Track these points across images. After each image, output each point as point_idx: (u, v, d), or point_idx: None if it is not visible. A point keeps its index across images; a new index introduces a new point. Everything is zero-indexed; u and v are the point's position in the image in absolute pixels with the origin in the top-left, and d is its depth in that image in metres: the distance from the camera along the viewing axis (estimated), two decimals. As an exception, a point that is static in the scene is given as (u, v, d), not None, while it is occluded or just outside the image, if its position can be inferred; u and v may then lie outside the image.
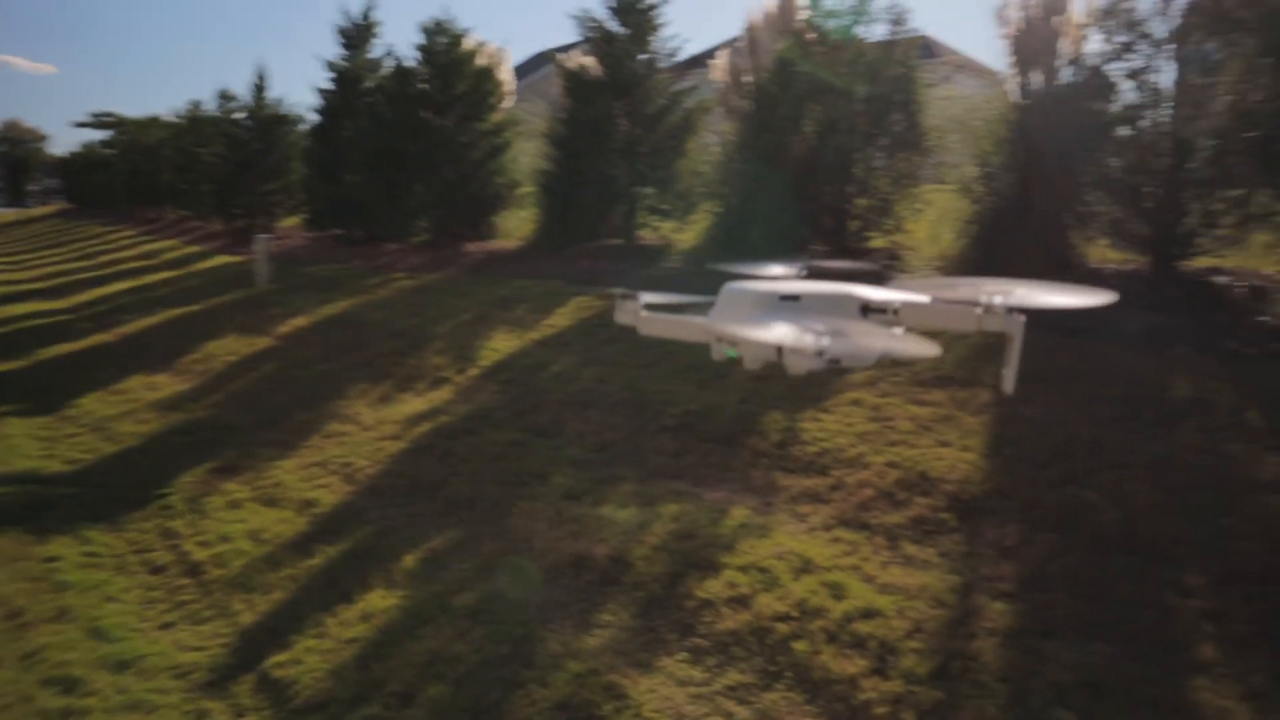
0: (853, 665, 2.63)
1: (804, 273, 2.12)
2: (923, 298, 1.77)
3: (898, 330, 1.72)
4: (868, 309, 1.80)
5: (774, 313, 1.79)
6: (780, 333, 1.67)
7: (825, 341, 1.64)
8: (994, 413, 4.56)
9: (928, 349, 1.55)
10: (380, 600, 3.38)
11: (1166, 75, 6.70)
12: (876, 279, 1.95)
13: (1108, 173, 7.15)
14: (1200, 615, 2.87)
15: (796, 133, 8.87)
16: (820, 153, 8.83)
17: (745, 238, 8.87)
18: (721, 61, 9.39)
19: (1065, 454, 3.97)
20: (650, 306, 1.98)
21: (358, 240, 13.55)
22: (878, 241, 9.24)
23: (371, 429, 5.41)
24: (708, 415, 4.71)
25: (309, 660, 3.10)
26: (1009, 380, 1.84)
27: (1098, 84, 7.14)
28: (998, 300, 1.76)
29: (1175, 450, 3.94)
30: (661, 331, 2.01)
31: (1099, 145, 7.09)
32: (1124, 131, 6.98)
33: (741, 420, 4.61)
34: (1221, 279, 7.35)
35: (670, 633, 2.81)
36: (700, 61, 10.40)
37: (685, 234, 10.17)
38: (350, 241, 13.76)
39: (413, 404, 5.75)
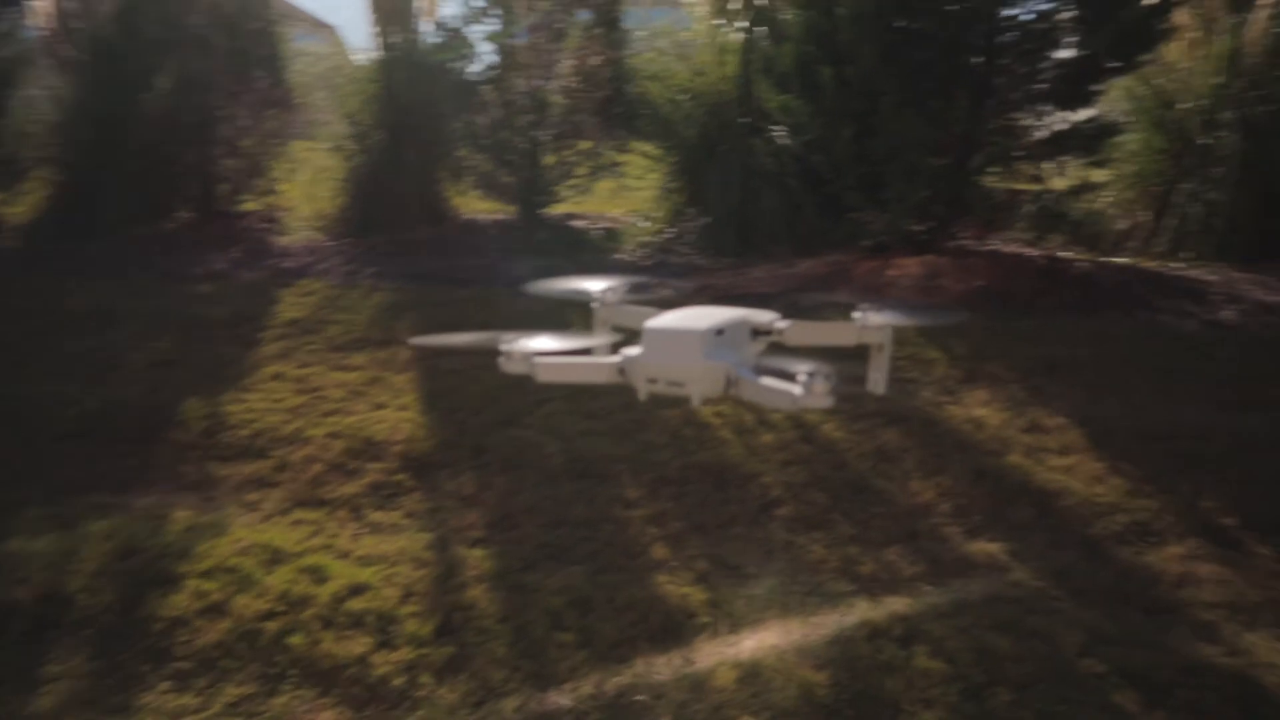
0: (358, 645, 2.53)
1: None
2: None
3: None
4: (756, 332, 1.89)
5: (719, 349, 1.82)
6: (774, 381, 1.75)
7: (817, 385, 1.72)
8: (419, 369, 4.65)
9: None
10: None
11: (520, 38, 7.29)
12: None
13: (475, 129, 7.59)
14: (645, 521, 3.24)
15: (148, 89, 8.03)
16: (179, 112, 8.10)
17: (93, 208, 7.86)
18: (45, 4, 8.12)
19: (496, 399, 4.19)
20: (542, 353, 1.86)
21: None
22: (251, 204, 8.80)
23: None
24: (111, 413, 4.15)
25: None
26: (880, 383, 2.03)
27: (458, 44, 7.50)
28: (872, 316, 1.97)
29: (587, 380, 4.37)
30: (559, 377, 1.96)
31: (466, 103, 7.49)
32: (488, 90, 7.47)
33: (154, 413, 4.13)
34: (580, 223, 8.26)
35: (142, 664, 2.46)
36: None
37: (16, 206, 8.70)
38: None
39: None
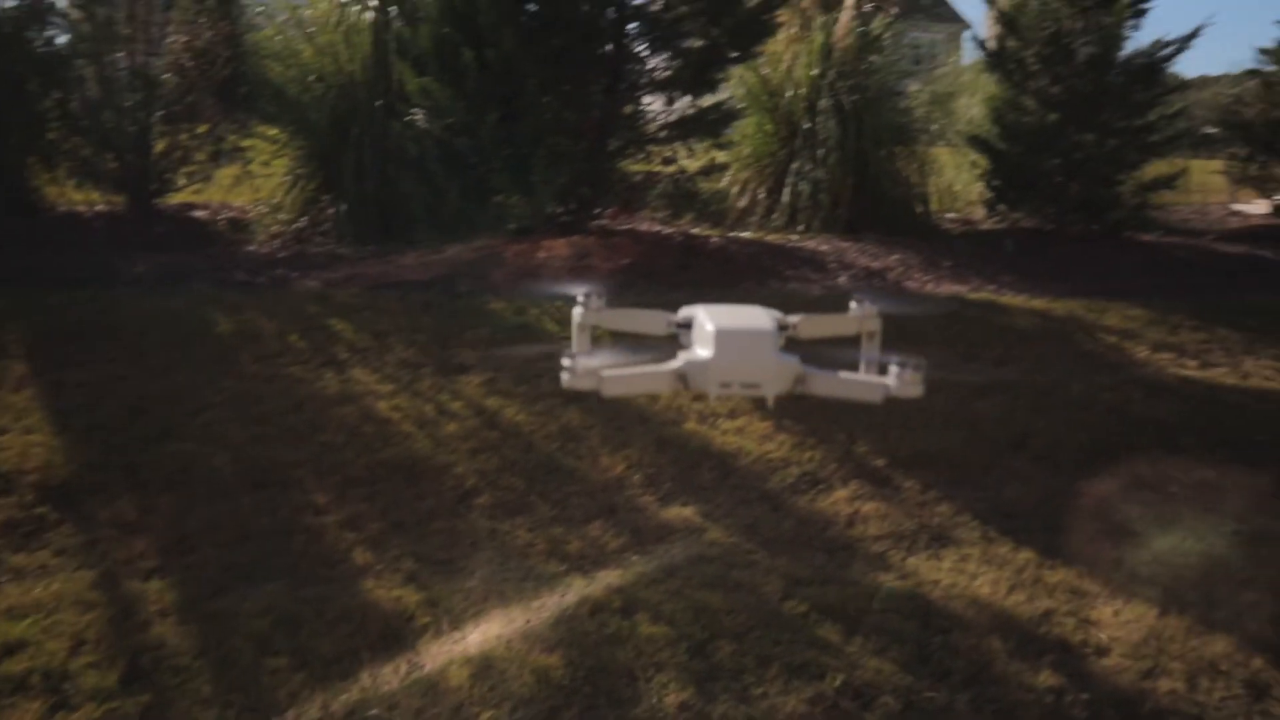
0: (26, 714, 2.16)
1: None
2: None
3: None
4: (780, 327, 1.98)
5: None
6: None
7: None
8: (40, 384, 4.06)
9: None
10: None
11: (121, 10, 6.52)
12: None
13: (73, 109, 6.72)
14: (339, 526, 3.05)
15: None
16: None
17: None
18: None
19: (145, 411, 3.76)
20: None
21: None
22: None
23: None
24: None
25: None
26: (873, 365, 2.11)
27: (44, 13, 6.59)
28: (867, 306, 2.17)
29: (247, 383, 4.03)
30: (625, 390, 1.93)
31: (59, 79, 6.60)
32: (86, 66, 6.62)
33: None
34: (201, 214, 7.59)
35: None
36: None
37: None
38: None
39: None
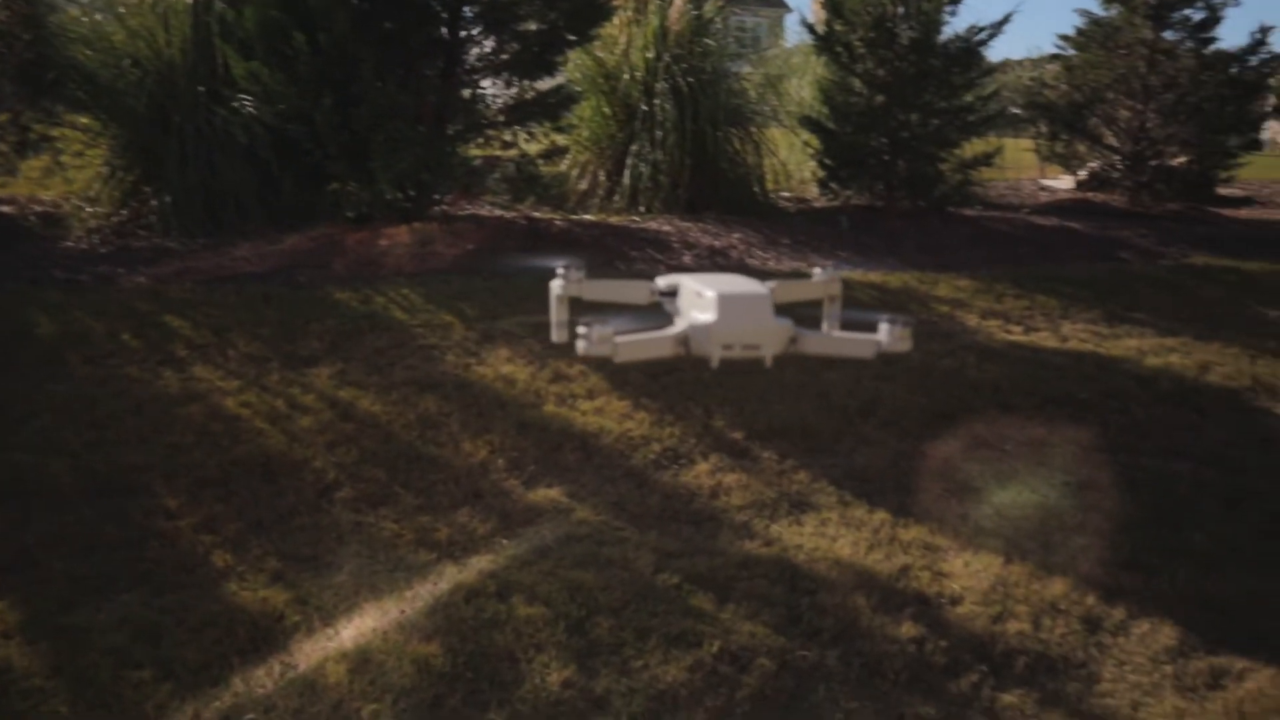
0: None
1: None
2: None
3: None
4: None
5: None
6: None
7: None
8: None
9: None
10: None
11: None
12: None
13: None
14: (195, 529, 2.93)
15: None
16: None
17: None
18: None
19: (-38, 419, 3.50)
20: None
21: None
22: None
23: None
24: None
25: None
26: (834, 327, 2.30)
27: None
28: (830, 272, 2.40)
29: (79, 386, 3.80)
30: (636, 355, 1.97)
31: None
32: None
33: None
34: (7, 209, 7.06)
35: None
36: None
37: None
38: None
39: None
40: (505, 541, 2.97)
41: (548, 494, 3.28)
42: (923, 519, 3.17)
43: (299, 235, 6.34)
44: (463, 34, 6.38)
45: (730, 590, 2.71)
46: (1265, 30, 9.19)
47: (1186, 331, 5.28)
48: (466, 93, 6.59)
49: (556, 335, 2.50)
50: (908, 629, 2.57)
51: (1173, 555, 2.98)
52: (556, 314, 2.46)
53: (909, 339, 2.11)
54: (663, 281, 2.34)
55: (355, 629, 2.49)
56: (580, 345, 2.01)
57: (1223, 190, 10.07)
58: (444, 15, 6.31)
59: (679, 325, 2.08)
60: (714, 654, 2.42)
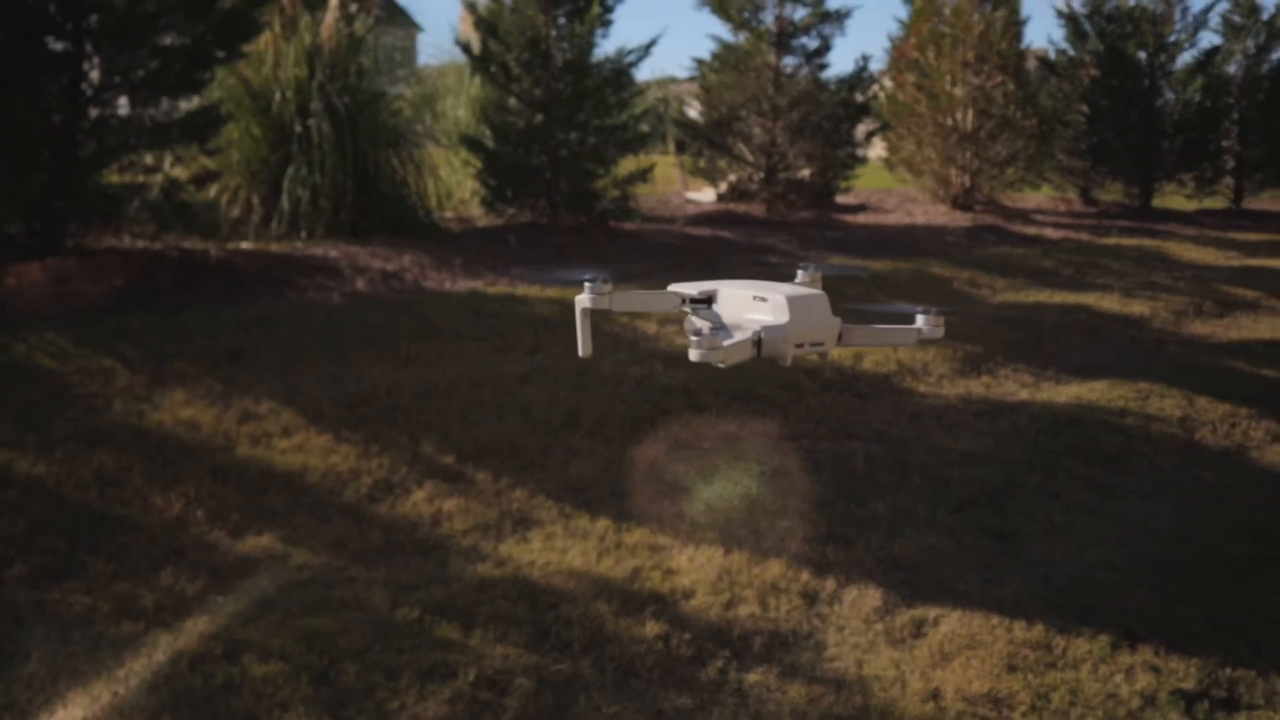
0: None
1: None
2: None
3: None
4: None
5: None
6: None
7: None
8: None
9: None
10: None
11: None
12: None
13: None
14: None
15: None
16: None
17: None
18: None
19: None
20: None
21: None
22: None
23: None
24: None
25: None
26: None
27: None
28: (813, 272, 2.57)
29: None
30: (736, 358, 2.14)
31: None
32: None
33: None
34: None
35: None
36: None
37: None
38: None
39: None
40: (221, 598, 2.75)
41: (259, 542, 3.07)
42: (643, 521, 3.30)
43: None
44: (89, 46, 5.79)
45: (473, 615, 2.68)
46: (866, 59, 10.47)
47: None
48: (98, 112, 5.98)
49: (583, 350, 2.44)
50: (651, 628, 2.67)
51: (862, 525, 3.32)
52: (582, 328, 2.41)
53: (943, 326, 2.30)
54: (689, 289, 2.38)
55: (62, 720, 2.20)
56: (692, 353, 2.08)
57: (841, 199, 11.29)
58: (63, 26, 5.70)
59: (754, 328, 2.17)
60: (471, 682, 2.38)
